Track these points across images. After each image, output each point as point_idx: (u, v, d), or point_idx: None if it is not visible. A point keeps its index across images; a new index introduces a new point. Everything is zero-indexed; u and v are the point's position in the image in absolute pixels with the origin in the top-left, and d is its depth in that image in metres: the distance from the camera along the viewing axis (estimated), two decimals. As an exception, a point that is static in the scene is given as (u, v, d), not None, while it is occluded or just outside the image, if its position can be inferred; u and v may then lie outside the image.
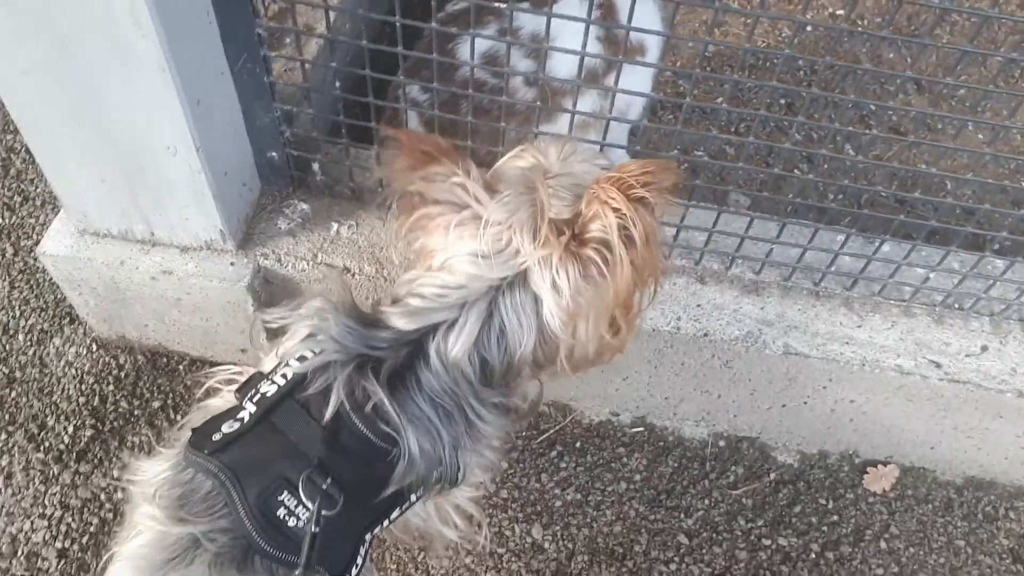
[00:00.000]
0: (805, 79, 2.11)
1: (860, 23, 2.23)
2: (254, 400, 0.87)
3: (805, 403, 1.42)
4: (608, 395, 1.50)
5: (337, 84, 1.32)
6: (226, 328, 1.45)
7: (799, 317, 1.35)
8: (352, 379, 0.83)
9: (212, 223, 1.29)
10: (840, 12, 2.25)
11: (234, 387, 0.91)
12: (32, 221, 1.73)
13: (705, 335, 1.32)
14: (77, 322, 1.60)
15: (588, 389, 1.49)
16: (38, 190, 1.77)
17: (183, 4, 1.05)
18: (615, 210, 0.81)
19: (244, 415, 0.86)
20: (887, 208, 1.84)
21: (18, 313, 1.62)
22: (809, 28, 2.21)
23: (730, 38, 2.13)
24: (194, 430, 0.86)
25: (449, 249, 0.88)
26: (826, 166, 1.93)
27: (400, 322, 0.87)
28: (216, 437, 0.84)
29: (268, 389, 0.87)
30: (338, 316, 0.87)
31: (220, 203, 1.25)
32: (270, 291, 1.39)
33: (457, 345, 0.86)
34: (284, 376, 0.87)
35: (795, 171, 1.91)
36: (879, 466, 1.53)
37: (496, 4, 1.34)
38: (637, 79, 1.46)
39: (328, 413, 0.83)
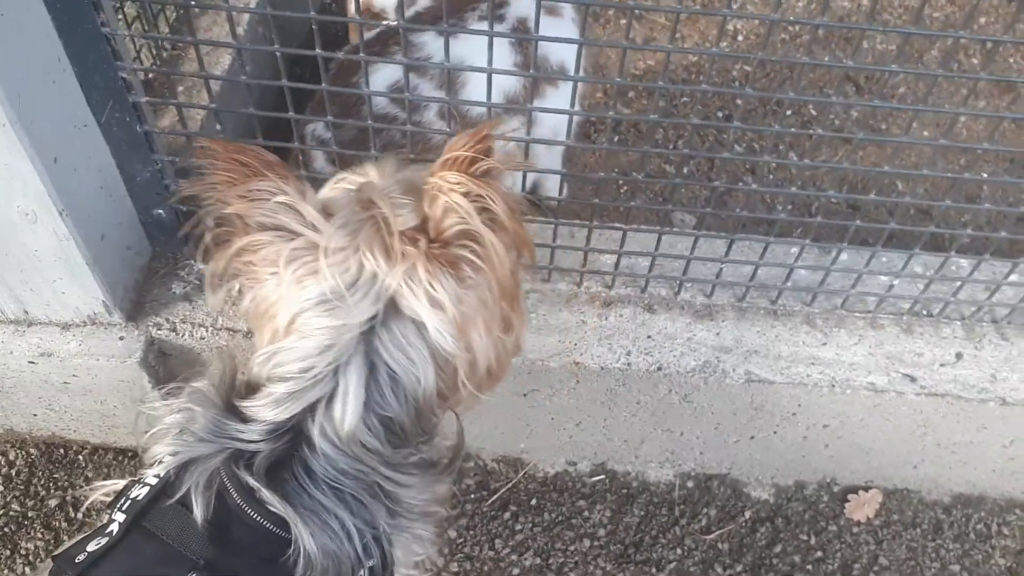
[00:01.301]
0: (740, 87, 2.02)
1: (790, 29, 2.17)
2: (123, 508, 0.72)
3: (775, 432, 1.30)
4: (562, 444, 1.36)
5: (219, 127, 1.17)
6: (124, 410, 1.28)
7: (758, 340, 1.23)
8: (227, 470, 0.69)
9: (92, 295, 1.13)
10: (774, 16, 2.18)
11: None
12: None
13: (659, 369, 1.19)
14: (-39, 417, 1.42)
15: (540, 439, 1.35)
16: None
17: (24, 50, 0.90)
18: (466, 194, 0.69)
19: (112, 527, 0.71)
20: (840, 215, 1.75)
21: None
22: (740, 37, 2.14)
23: (658, 57, 2.04)
24: (54, 557, 0.71)
25: (289, 299, 0.72)
26: (771, 176, 1.84)
27: (269, 414, 0.72)
28: (80, 558, 0.69)
29: (139, 492, 0.72)
30: (207, 408, 0.72)
31: (99, 272, 1.10)
32: (168, 364, 1.24)
33: (346, 418, 0.71)
34: (156, 476, 0.72)
35: (739, 184, 1.82)
36: (860, 492, 1.41)
37: (385, 23, 1.23)
38: (561, 102, 1.35)
39: (200, 507, 0.68)
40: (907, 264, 1.23)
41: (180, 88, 1.38)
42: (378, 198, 0.73)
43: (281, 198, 0.72)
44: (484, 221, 0.70)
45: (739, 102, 1.96)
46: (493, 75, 1.02)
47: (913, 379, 1.22)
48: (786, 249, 1.27)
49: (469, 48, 1.15)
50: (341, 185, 0.80)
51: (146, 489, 0.71)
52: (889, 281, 1.23)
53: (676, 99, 1.95)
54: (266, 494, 0.69)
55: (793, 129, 1.88)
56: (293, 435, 0.72)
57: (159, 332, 1.19)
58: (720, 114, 1.95)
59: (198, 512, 0.68)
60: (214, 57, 1.49)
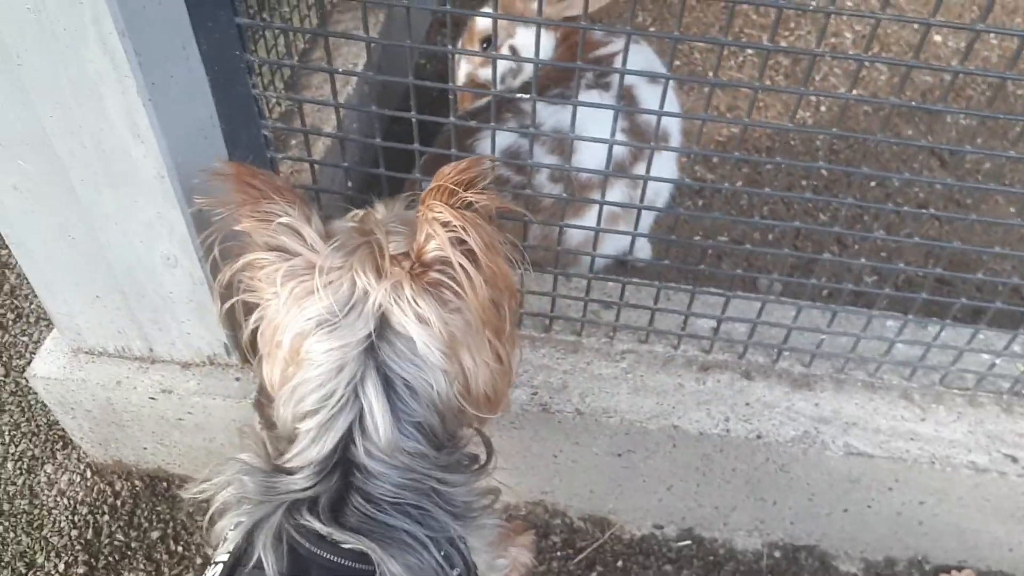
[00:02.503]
0: (825, 159, 2.05)
1: (870, 102, 2.19)
2: None
3: (869, 507, 1.29)
4: (651, 506, 1.37)
5: (349, 184, 1.24)
6: (232, 448, 1.32)
7: (857, 413, 1.23)
8: (290, 522, 0.73)
9: (216, 336, 1.19)
10: (855, 92, 2.21)
11: None
12: (25, 339, 1.63)
13: (758, 437, 1.20)
14: (71, 447, 1.48)
15: (629, 501, 1.36)
16: (32, 306, 1.68)
17: (185, 108, 0.98)
18: (444, 224, 0.72)
19: None
20: (928, 290, 1.74)
21: (7, 439, 1.50)
22: (823, 108, 2.17)
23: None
24: None
25: (290, 321, 0.76)
26: (856, 247, 1.85)
27: (311, 454, 0.75)
28: None
29: (213, 573, 0.75)
30: (254, 474, 0.77)
31: (227, 313, 1.16)
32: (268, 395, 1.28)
33: (381, 431, 0.74)
34: (227, 552, 0.75)
35: (826, 253, 1.83)
36: (953, 572, 1.39)
37: (519, 97, 1.29)
38: (664, 166, 1.39)
39: (273, 563, 0.71)
40: (1010, 344, 1.23)
41: (292, 142, 1.47)
42: (375, 226, 0.78)
43: (285, 219, 0.76)
44: (462, 251, 0.73)
45: (824, 172, 1.98)
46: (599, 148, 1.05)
47: (1015, 459, 1.20)
48: (883, 321, 1.28)
49: (579, 114, 1.20)
50: (351, 218, 0.84)
51: (219, 568, 0.74)
52: (991, 359, 1.23)
53: (760, 166, 1.98)
54: (336, 533, 0.72)
55: (888, 206, 1.88)
56: (342, 467, 0.75)
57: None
58: (804, 183, 1.97)
59: (271, 569, 0.71)
60: (324, 114, 1.57)
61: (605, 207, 1.16)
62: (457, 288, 0.75)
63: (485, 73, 1.57)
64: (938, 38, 2.34)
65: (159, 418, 1.28)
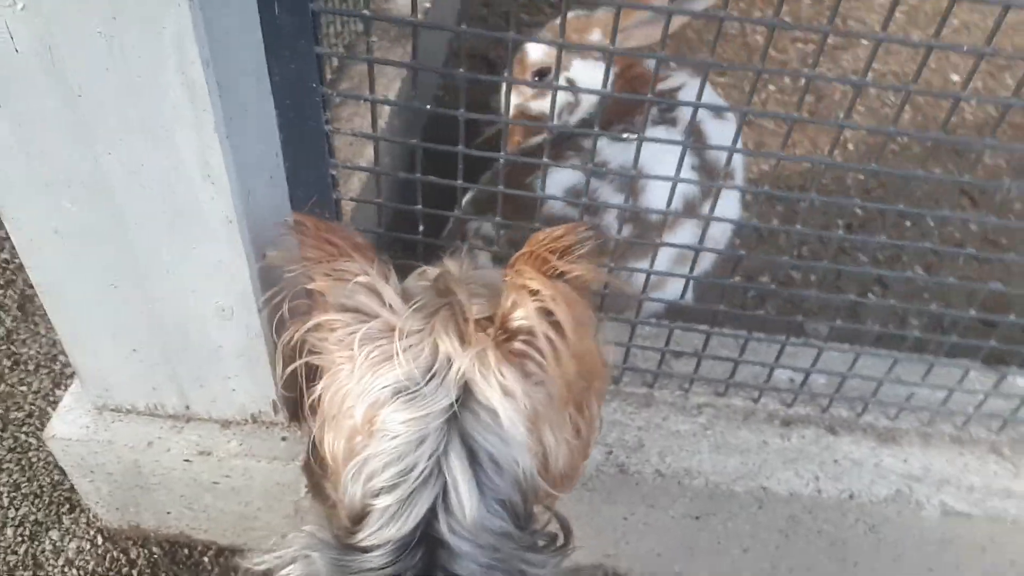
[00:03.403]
0: (856, 195, 2.00)
1: (899, 141, 2.16)
2: None
3: (956, 568, 1.22)
4: (722, 570, 1.28)
5: (421, 228, 1.14)
6: (268, 512, 1.21)
7: (948, 469, 1.16)
8: None
9: (264, 392, 1.08)
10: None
11: None
12: (24, 389, 1.49)
13: (850, 497, 1.12)
14: (79, 510, 1.34)
15: (698, 564, 1.27)
16: (31, 352, 1.54)
17: (255, 146, 0.88)
18: (532, 292, 0.67)
19: None
20: (974, 332, 1.70)
21: (7, 502, 1.35)
22: (851, 146, 2.14)
23: (772, 161, 2.03)
24: None
25: (364, 389, 0.69)
26: (897, 289, 1.80)
27: (390, 531, 0.68)
28: None
29: None
30: (324, 551, 0.69)
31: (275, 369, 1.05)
32: (324, 467, 1.17)
33: (467, 508, 0.68)
34: None
35: (869, 295, 1.78)
36: (1031, 634, 1.32)
37: (582, 132, 1.21)
38: (728, 206, 1.33)
39: None
40: (1104, 395, 1.17)
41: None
42: (455, 286, 0.72)
43: (362, 279, 0.71)
44: (549, 322, 0.68)
45: (859, 211, 1.94)
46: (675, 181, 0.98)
47: (1112, 518, 1.15)
48: (954, 371, 1.21)
49: (646, 152, 1.12)
50: (423, 276, 0.79)
51: None
52: (1084, 412, 1.18)
53: (795, 204, 1.93)
54: None
55: (933, 245, 1.84)
56: (426, 544, 0.68)
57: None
58: (839, 222, 1.92)
59: None
60: (358, 147, 1.48)
61: (673, 249, 1.09)
62: (542, 361, 0.69)
63: (537, 106, 1.49)
64: (955, 77, 2.34)
65: (191, 481, 1.16)
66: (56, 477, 1.37)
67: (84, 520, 1.33)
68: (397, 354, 0.68)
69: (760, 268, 1.79)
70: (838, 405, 1.20)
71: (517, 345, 0.69)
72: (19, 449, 1.41)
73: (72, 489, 1.36)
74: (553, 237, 0.70)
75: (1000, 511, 1.13)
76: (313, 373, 0.79)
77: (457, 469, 0.68)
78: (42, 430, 1.41)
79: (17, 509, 1.35)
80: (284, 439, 1.12)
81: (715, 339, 1.15)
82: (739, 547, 1.23)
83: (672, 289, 1.34)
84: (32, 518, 1.34)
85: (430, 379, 0.68)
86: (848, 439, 1.18)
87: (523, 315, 0.68)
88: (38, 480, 1.38)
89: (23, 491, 1.37)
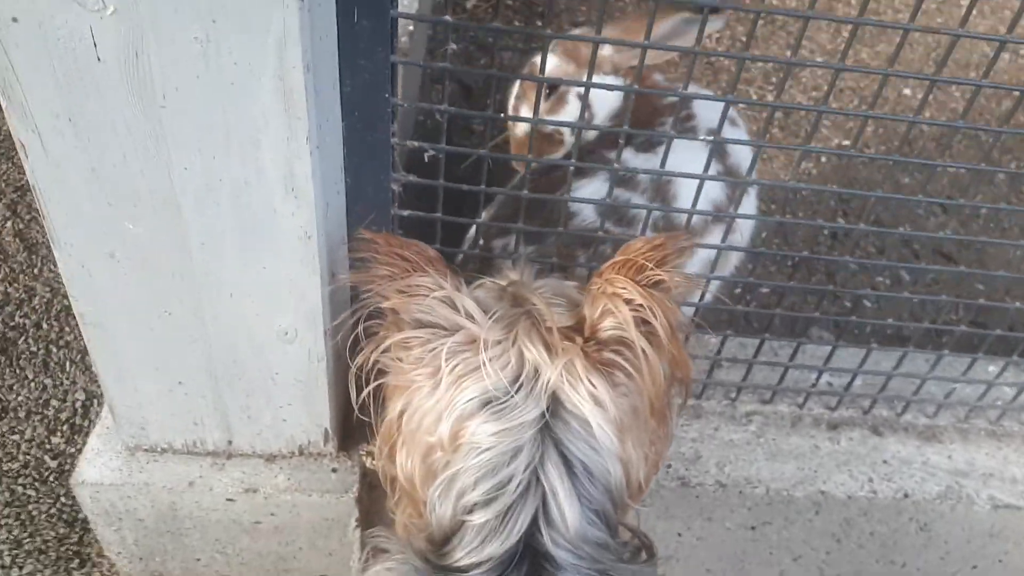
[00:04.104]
0: (837, 209, 2.07)
1: (867, 148, 2.25)
2: None
3: (1000, 560, 1.24)
4: (770, 578, 1.27)
5: (481, 242, 1.11)
6: (310, 550, 1.14)
7: (990, 463, 1.19)
8: None
9: (317, 421, 1.02)
10: (846, 142, 2.27)
11: None
12: (16, 438, 1.38)
13: (905, 496, 1.13)
14: (90, 564, 1.25)
15: (748, 573, 1.26)
16: (19, 398, 1.43)
17: (331, 159, 0.84)
18: (627, 301, 0.67)
19: None
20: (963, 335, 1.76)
21: (8, 560, 1.25)
22: (824, 159, 2.20)
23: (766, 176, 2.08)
24: None
25: (449, 405, 0.67)
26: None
27: (490, 548, 0.65)
28: None
29: None
30: None
31: (333, 393, 1.00)
32: (373, 499, 1.12)
33: (568, 519, 0.66)
34: None
35: (864, 302, 1.83)
36: (1062, 622, 1.35)
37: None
38: (749, 207, 1.35)
39: None
40: None
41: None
42: (531, 294, 0.71)
43: (439, 293, 0.69)
44: (642, 332, 0.68)
45: (841, 220, 2.00)
46: (702, 187, 0.99)
47: None
48: (984, 366, 1.25)
49: (674, 160, 1.13)
50: (485, 287, 0.77)
51: None
52: (1108, 401, 1.22)
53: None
54: None
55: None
56: (530, 559, 0.66)
57: (374, 463, 1.08)
58: (826, 232, 1.97)
59: None
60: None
61: (706, 253, 1.09)
62: (632, 371, 0.68)
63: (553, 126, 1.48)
64: (907, 91, 2.45)
65: (231, 523, 1.09)
66: (62, 530, 1.27)
67: (98, 574, 1.24)
68: (484, 364, 0.66)
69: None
70: (878, 406, 1.21)
71: (607, 355, 0.68)
72: (17, 503, 1.30)
73: (80, 542, 1.26)
74: (653, 246, 0.69)
75: (1044, 501, 1.16)
76: (382, 395, 0.76)
77: (555, 479, 0.66)
78: (40, 481, 1.32)
79: (21, 568, 1.24)
80: (335, 471, 1.07)
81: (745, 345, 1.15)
82: (790, 556, 1.23)
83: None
84: (37, 576, 1.24)
85: (518, 389, 0.66)
86: (893, 439, 1.19)
87: (615, 324, 0.67)
88: (41, 535, 1.27)
89: (26, 548, 1.26)
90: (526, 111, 1.48)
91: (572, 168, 1.02)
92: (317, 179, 0.78)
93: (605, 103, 1.46)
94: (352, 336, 0.76)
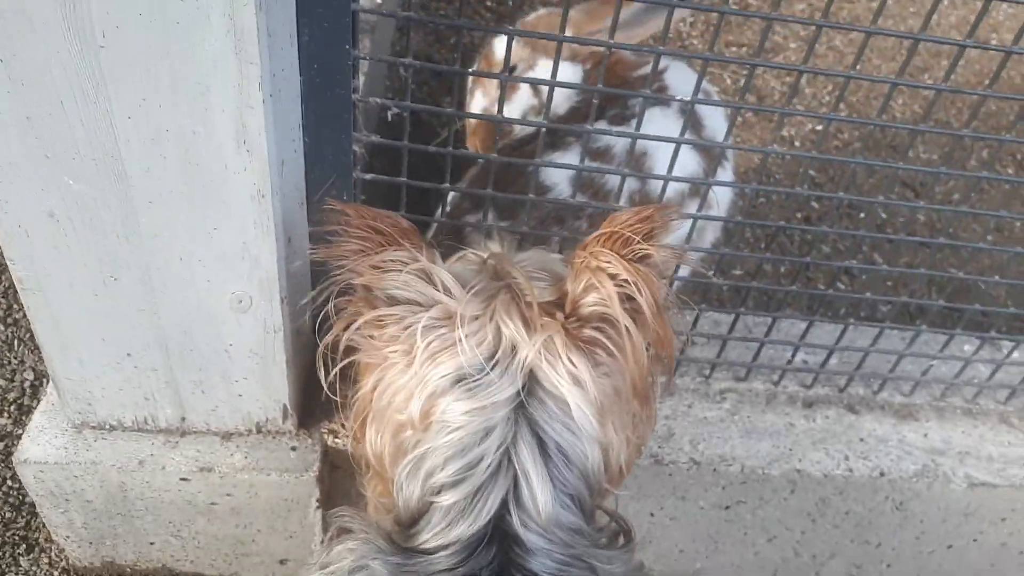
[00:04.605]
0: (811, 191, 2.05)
1: (840, 137, 2.23)
2: None
3: (975, 540, 1.22)
4: (743, 561, 1.25)
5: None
6: (269, 534, 1.10)
7: (966, 441, 1.17)
8: None
9: (275, 397, 0.98)
10: (819, 128, 2.25)
11: None
12: (-41, 419, 1.32)
13: (881, 475, 1.11)
14: (38, 549, 1.19)
15: (720, 558, 1.24)
16: (-36, 377, 1.36)
17: (286, 114, 0.79)
18: (612, 276, 0.64)
19: None
20: (938, 315, 1.75)
21: (-52, 547, 1.18)
22: (797, 143, 2.19)
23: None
24: None
25: (422, 381, 0.64)
26: (864, 277, 1.84)
27: (459, 529, 0.63)
28: None
29: None
30: (383, 557, 0.64)
31: (292, 369, 0.95)
32: (335, 479, 1.07)
33: (540, 501, 0.63)
34: None
35: (838, 283, 1.81)
36: (1036, 602, 1.35)
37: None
38: (726, 177, 1.32)
39: None
40: (1101, 360, 1.21)
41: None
42: (511, 268, 0.68)
43: (415, 266, 0.66)
44: (626, 309, 0.65)
45: (814, 204, 1.99)
46: (676, 159, 0.95)
47: (1117, 479, 1.18)
48: (960, 344, 1.23)
49: (649, 131, 1.09)
50: (465, 259, 0.75)
51: None
52: (1083, 378, 1.21)
53: (753, 199, 1.95)
54: None
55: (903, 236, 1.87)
56: (499, 542, 0.63)
57: (335, 441, 1.04)
58: (799, 215, 1.96)
59: None
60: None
61: (682, 230, 1.06)
62: (614, 350, 0.65)
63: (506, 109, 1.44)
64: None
65: (185, 504, 1.04)
66: (7, 515, 1.21)
67: (46, 560, 1.18)
68: (460, 340, 0.63)
69: (731, 262, 1.80)
70: (854, 384, 1.19)
71: (588, 332, 0.65)
72: (-41, 487, 1.24)
73: (28, 527, 1.21)
74: (640, 218, 0.65)
75: (1020, 479, 1.14)
76: (352, 372, 0.72)
77: (528, 461, 0.63)
78: (-15, 465, 1.25)
79: (-38, 554, 1.18)
80: (294, 449, 1.02)
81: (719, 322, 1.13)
82: (764, 536, 1.20)
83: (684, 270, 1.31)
84: (-20, 564, 1.18)
85: (493, 366, 0.63)
86: (869, 417, 1.17)
87: (598, 300, 0.64)
88: (-15, 520, 1.21)
89: (-33, 534, 1.20)
90: (480, 95, 1.45)
91: (543, 143, 0.97)
92: (271, 133, 0.74)
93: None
94: (321, 313, 0.72)
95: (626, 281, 0.64)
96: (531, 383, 0.64)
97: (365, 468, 0.75)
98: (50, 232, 0.79)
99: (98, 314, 0.87)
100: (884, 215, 1.99)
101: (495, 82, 1.45)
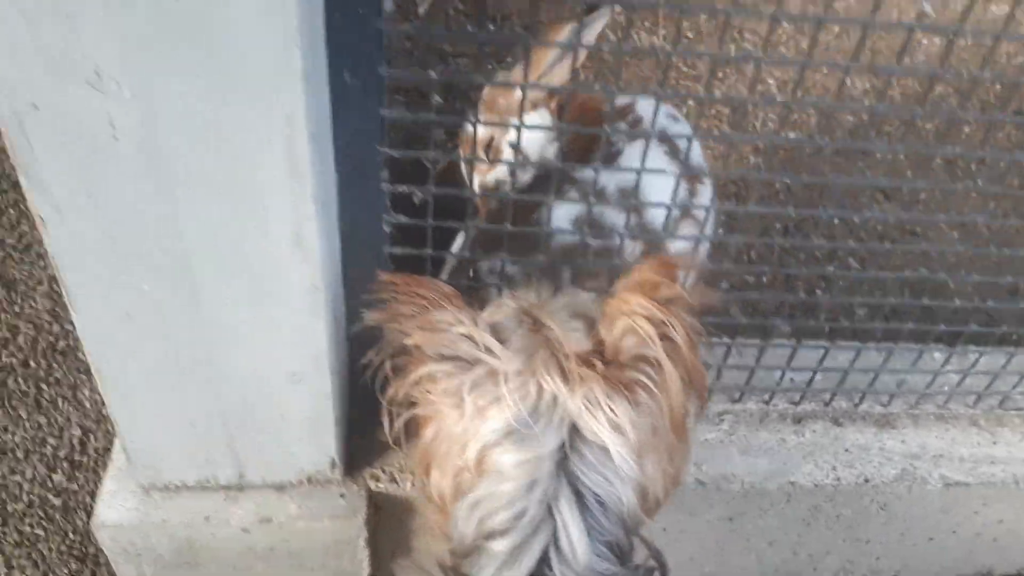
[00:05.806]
0: (782, 200, 2.17)
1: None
2: None
3: (953, 532, 1.36)
4: (747, 564, 1.37)
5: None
6: (322, 571, 1.21)
7: (939, 444, 1.30)
8: None
9: (324, 451, 1.09)
10: (792, 134, 2.37)
11: None
12: (17, 479, 1.41)
13: (866, 481, 1.24)
14: (103, 597, 1.30)
15: (726, 563, 1.36)
16: (16, 439, 1.46)
17: (332, 210, 0.90)
18: (648, 318, 0.70)
19: None
20: (908, 317, 1.88)
21: (21, 601, 1.29)
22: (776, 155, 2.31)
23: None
24: None
25: (474, 433, 0.71)
26: (841, 283, 1.97)
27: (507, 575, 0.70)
28: None
29: None
30: None
31: (339, 427, 1.06)
32: (380, 520, 1.19)
33: (578, 552, 0.69)
34: None
35: (817, 292, 1.94)
36: (1012, 580, 1.49)
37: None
38: (707, 198, 1.43)
39: None
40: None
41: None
42: (547, 319, 0.74)
43: (459, 329, 0.72)
44: (664, 349, 0.70)
45: (791, 214, 2.11)
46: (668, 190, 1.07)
47: (1078, 469, 1.31)
48: (931, 355, 1.36)
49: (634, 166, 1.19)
50: (503, 309, 0.80)
51: None
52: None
53: (733, 212, 2.08)
54: None
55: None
56: None
57: (378, 485, 1.15)
58: (778, 225, 2.08)
59: None
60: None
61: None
62: (654, 388, 0.71)
63: (492, 177, 1.54)
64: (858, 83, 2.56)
65: (246, 550, 1.15)
66: (74, 567, 1.32)
67: (111, 608, 1.28)
68: (504, 397, 0.69)
69: (717, 276, 1.92)
70: (838, 398, 1.32)
71: (629, 374, 0.69)
72: (26, 543, 1.34)
73: (93, 576, 1.31)
74: (664, 263, 0.72)
75: (988, 476, 1.28)
76: (416, 423, 0.79)
77: (567, 514, 0.69)
78: (47, 519, 1.36)
79: (32, 610, 1.28)
80: (343, 496, 1.13)
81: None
82: (765, 541, 1.33)
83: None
84: (51, 615, 1.28)
85: (538, 420, 0.69)
86: (852, 428, 1.30)
87: (637, 343, 0.70)
88: (54, 572, 1.32)
89: (37, 589, 1.30)
90: (476, 174, 1.54)
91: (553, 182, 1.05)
92: (323, 235, 0.84)
93: (535, 139, 1.49)
94: (381, 373, 0.78)
95: (662, 322, 0.69)
96: (572, 435, 0.69)
97: (429, 501, 0.83)
98: (129, 331, 0.90)
99: (166, 393, 0.98)
100: (856, 219, 2.12)
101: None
